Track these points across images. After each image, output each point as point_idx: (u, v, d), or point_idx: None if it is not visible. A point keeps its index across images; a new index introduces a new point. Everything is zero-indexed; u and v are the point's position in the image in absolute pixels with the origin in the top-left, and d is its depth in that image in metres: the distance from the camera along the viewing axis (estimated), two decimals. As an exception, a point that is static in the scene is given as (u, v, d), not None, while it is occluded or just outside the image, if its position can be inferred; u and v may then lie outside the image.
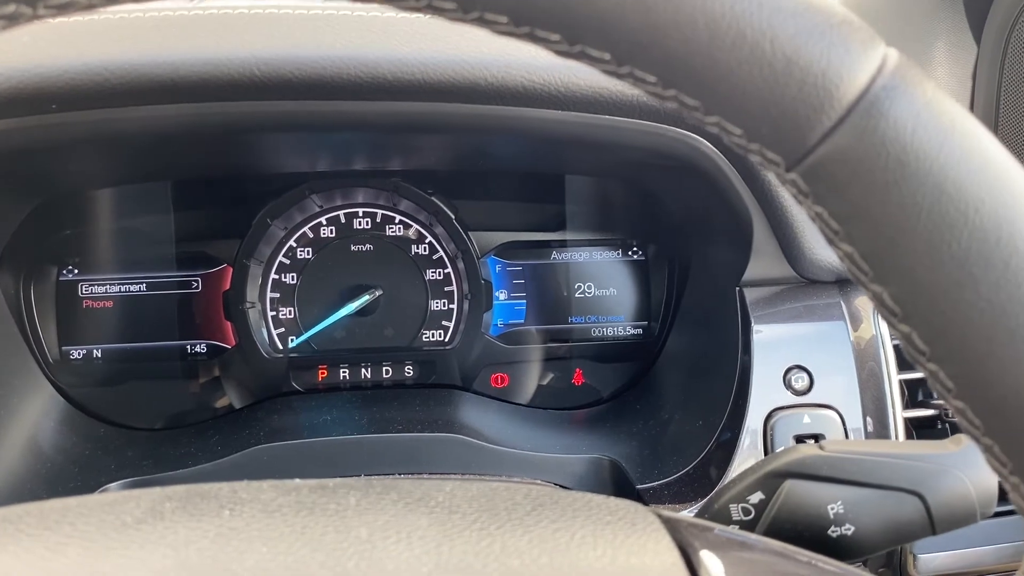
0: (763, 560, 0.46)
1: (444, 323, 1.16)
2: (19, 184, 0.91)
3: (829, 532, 0.59)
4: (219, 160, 0.97)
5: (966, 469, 0.58)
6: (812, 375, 0.90)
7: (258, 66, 0.69)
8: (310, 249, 1.14)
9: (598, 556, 0.42)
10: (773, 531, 0.60)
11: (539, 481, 0.95)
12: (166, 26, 0.71)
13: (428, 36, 0.72)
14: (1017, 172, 0.38)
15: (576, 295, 1.19)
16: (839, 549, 0.58)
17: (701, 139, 0.81)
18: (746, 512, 0.62)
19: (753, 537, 0.51)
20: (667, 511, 0.50)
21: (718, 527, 0.50)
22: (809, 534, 0.59)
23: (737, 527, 0.62)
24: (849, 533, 0.58)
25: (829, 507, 0.59)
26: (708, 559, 0.43)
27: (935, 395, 0.98)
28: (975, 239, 0.37)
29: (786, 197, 0.86)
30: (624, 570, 0.42)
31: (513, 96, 0.73)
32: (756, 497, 0.61)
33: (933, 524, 0.58)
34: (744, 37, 0.37)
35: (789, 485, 0.60)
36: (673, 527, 0.47)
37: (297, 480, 0.50)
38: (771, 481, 0.61)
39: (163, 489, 0.49)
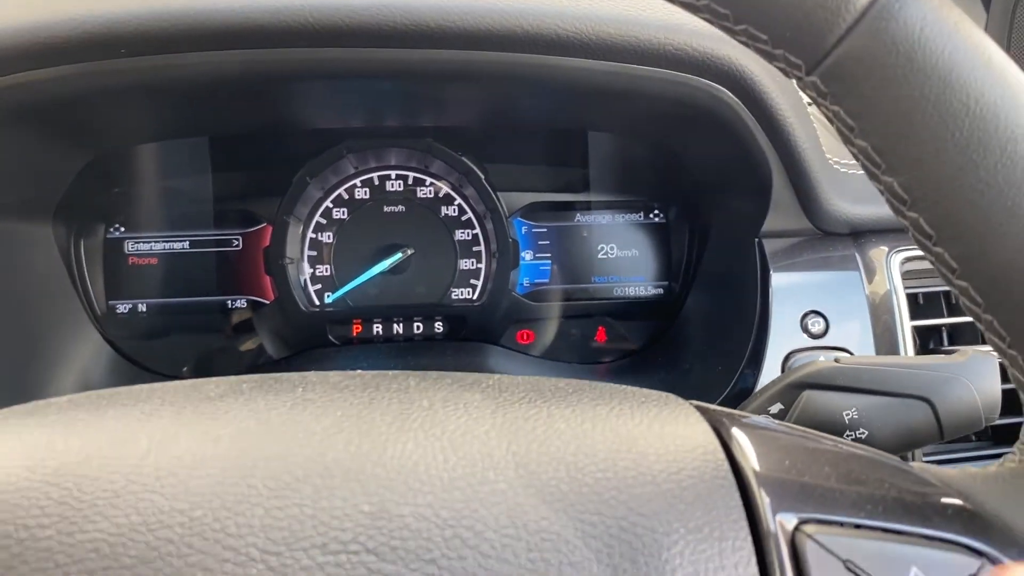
0: (792, 439, 0.50)
1: (472, 281, 1.21)
2: (77, 135, 0.97)
3: (845, 436, 0.63)
4: (263, 112, 1.02)
5: (972, 377, 0.62)
6: (828, 320, 0.94)
7: (311, 12, 0.74)
8: (345, 209, 1.19)
9: (636, 424, 0.47)
10: (792, 439, 0.64)
11: None
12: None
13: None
14: (1013, 68, 0.43)
15: (599, 256, 1.24)
16: (854, 453, 0.63)
17: (724, 89, 0.85)
18: (766, 423, 0.66)
19: (778, 423, 0.55)
20: (698, 403, 0.54)
21: (746, 414, 0.54)
22: (825, 440, 0.64)
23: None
24: (863, 437, 0.63)
25: (844, 413, 0.63)
26: (739, 435, 0.48)
27: (944, 342, 1.02)
28: (976, 128, 0.41)
29: (804, 149, 0.90)
30: (659, 436, 0.46)
31: (547, 44, 0.78)
32: (776, 407, 0.66)
33: (941, 428, 0.62)
34: (770, -52, 0.42)
35: (807, 395, 0.65)
36: (704, 410, 0.51)
37: (359, 370, 0.55)
38: (790, 392, 0.66)
39: (239, 377, 0.54)
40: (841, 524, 0.42)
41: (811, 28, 0.43)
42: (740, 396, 0.95)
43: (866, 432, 0.63)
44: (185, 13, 0.74)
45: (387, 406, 0.47)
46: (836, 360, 0.66)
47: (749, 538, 0.40)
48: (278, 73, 0.81)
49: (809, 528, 0.41)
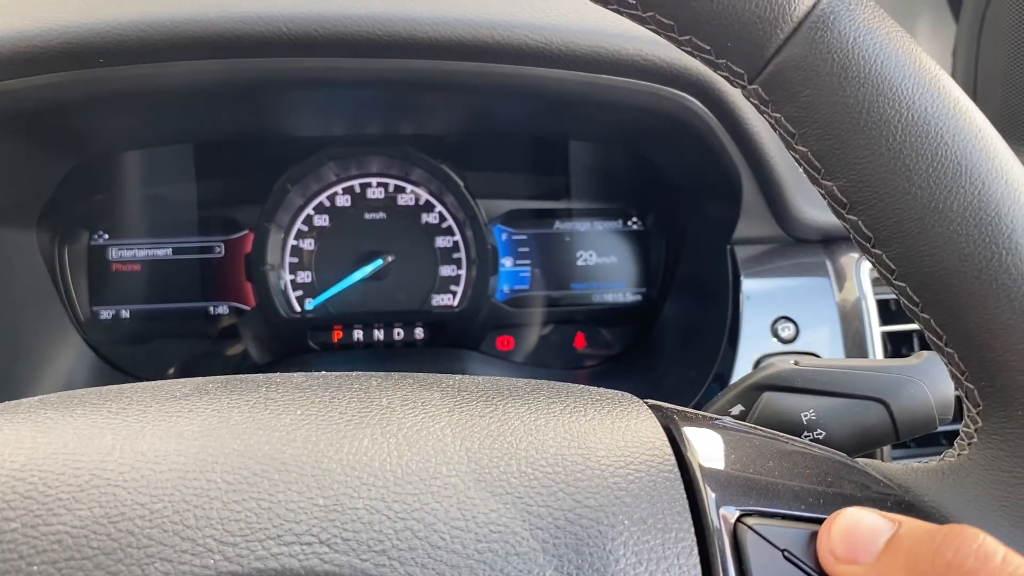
0: (741, 436, 0.51)
1: (452, 288, 1.23)
2: (58, 143, 0.98)
3: (803, 436, 0.65)
4: (242, 120, 1.04)
5: (926, 379, 0.64)
6: (798, 325, 0.96)
7: (285, 23, 0.75)
8: (327, 217, 1.21)
9: (588, 420, 0.48)
10: (752, 439, 0.66)
11: None
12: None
13: (443, -1, 0.80)
14: (944, 76, 0.45)
15: (578, 263, 1.25)
16: (811, 452, 0.64)
17: (692, 98, 0.87)
18: (728, 424, 0.68)
19: (731, 420, 0.57)
20: (653, 401, 0.56)
21: (699, 412, 0.56)
22: (784, 440, 0.65)
23: (719, 437, 0.68)
24: (821, 438, 0.64)
25: (803, 415, 0.65)
26: (688, 431, 0.49)
27: (915, 348, 1.04)
28: (908, 133, 0.43)
29: (773, 157, 0.92)
30: (610, 431, 0.48)
31: (516, 54, 0.80)
32: (736, 409, 0.67)
33: (896, 429, 0.64)
34: (710, -40, 0.43)
35: (766, 397, 0.66)
36: (657, 408, 0.53)
37: (324, 371, 0.57)
38: (750, 394, 0.67)
39: (207, 378, 0.55)
40: (782, 516, 0.43)
41: (751, 39, 0.45)
42: (711, 398, 0.96)
43: (823, 433, 0.64)
44: (163, 23, 0.75)
45: (347, 405, 0.49)
46: (795, 363, 0.67)
47: (691, 530, 0.42)
48: (257, 82, 0.83)
49: (750, 520, 0.42)
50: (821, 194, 0.48)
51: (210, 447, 0.44)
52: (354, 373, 0.56)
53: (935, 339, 0.46)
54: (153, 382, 0.55)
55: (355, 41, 0.77)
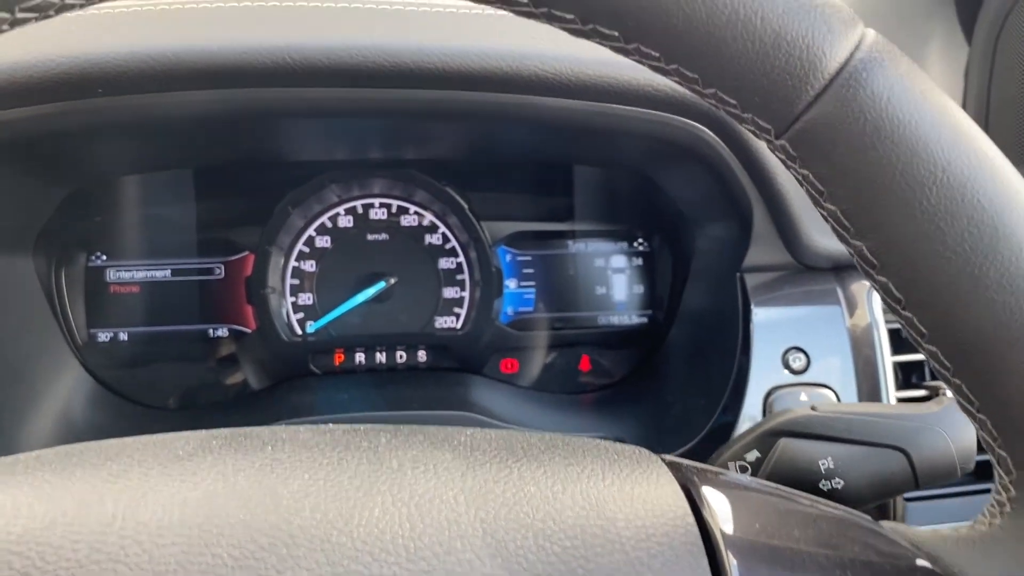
0: (763, 498, 0.50)
1: (456, 310, 1.21)
2: (57, 170, 0.97)
3: (820, 486, 0.63)
4: (244, 147, 1.02)
5: (946, 427, 0.62)
6: (809, 356, 0.94)
7: (290, 54, 0.74)
8: (328, 238, 1.19)
9: (607, 485, 0.47)
10: (768, 486, 0.65)
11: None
12: (203, 16, 0.77)
13: (447, 28, 0.78)
14: (981, 137, 0.43)
15: (583, 285, 1.24)
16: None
17: (704, 128, 0.86)
18: (743, 469, 0.66)
19: (751, 479, 0.55)
20: (669, 456, 0.54)
21: (718, 469, 0.54)
22: (801, 487, 0.64)
23: (734, 483, 0.66)
24: (839, 487, 0.63)
25: (820, 462, 0.63)
26: (709, 494, 0.48)
27: (927, 376, 1.03)
28: (943, 196, 0.41)
29: (784, 185, 0.91)
30: (629, 498, 0.46)
31: (526, 84, 0.78)
32: (753, 455, 0.66)
33: (916, 478, 0.62)
34: (737, 15, 0.42)
35: (783, 443, 0.65)
36: (674, 467, 0.51)
37: (330, 424, 0.55)
38: (767, 439, 0.66)
39: (210, 431, 0.53)
40: (809, 588, 0.42)
41: (779, 94, 0.43)
42: (720, 432, 0.95)
43: (842, 482, 0.63)
44: (164, 54, 0.73)
45: (356, 467, 0.47)
46: (812, 408, 0.66)
47: (715, 604, 0.40)
48: (259, 112, 0.81)
49: (777, 593, 0.41)
50: (849, 252, 0.46)
51: (215, 518, 0.42)
52: (362, 428, 0.54)
53: (967, 404, 0.45)
54: (156, 437, 0.53)
55: (361, 72, 0.75)
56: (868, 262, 0.45)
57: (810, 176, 0.45)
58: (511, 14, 0.43)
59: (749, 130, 0.47)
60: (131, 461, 0.48)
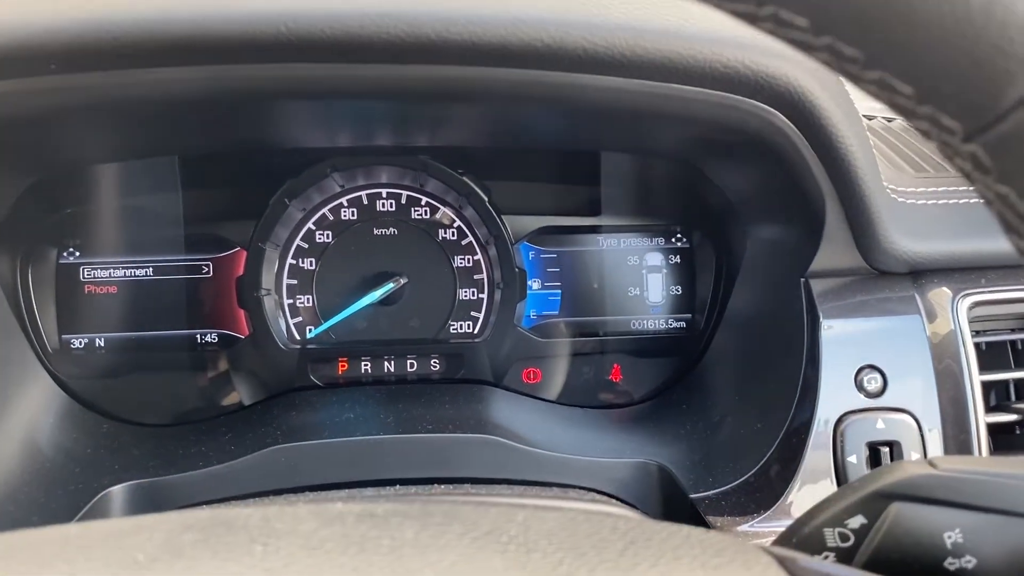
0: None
1: (473, 314, 1.09)
2: (15, 157, 0.84)
3: (946, 564, 0.51)
4: (233, 133, 0.89)
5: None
6: (886, 376, 0.82)
7: (285, 23, 0.60)
8: (330, 232, 1.06)
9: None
10: (878, 561, 0.52)
11: (606, 495, 0.86)
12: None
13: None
14: None
15: (614, 286, 1.11)
16: (958, 585, 0.51)
17: (777, 112, 0.72)
18: (844, 538, 0.54)
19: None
20: (777, 548, 0.42)
21: (848, 571, 0.42)
22: (920, 566, 0.51)
23: (833, 555, 0.54)
24: (970, 567, 0.51)
25: (946, 535, 0.51)
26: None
27: (1011, 395, 0.90)
28: None
29: (866, 179, 0.78)
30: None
31: (572, 60, 0.65)
32: (857, 521, 0.54)
33: (1069, 556, 0.50)
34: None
35: (896, 508, 0.53)
36: (792, 569, 0.39)
37: (339, 504, 0.42)
38: (875, 503, 0.53)
39: (182, 515, 0.41)
40: None
41: (982, 81, 0.31)
42: (783, 464, 0.82)
43: (973, 560, 0.50)
44: (130, 23, 0.60)
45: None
46: (931, 463, 0.53)
47: None
48: (249, 92, 0.69)
49: None
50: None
51: None
52: (381, 509, 0.42)
53: None
54: (110, 526, 0.41)
55: (374, 45, 0.61)
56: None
57: (1011, 196, 0.32)
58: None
59: (920, 127, 0.34)
60: (72, 570, 0.36)
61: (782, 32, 0.33)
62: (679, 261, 1.11)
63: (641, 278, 1.11)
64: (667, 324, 1.11)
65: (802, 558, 0.42)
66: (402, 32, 0.61)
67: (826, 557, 0.54)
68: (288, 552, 0.37)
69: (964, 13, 0.30)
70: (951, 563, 0.51)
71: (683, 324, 1.11)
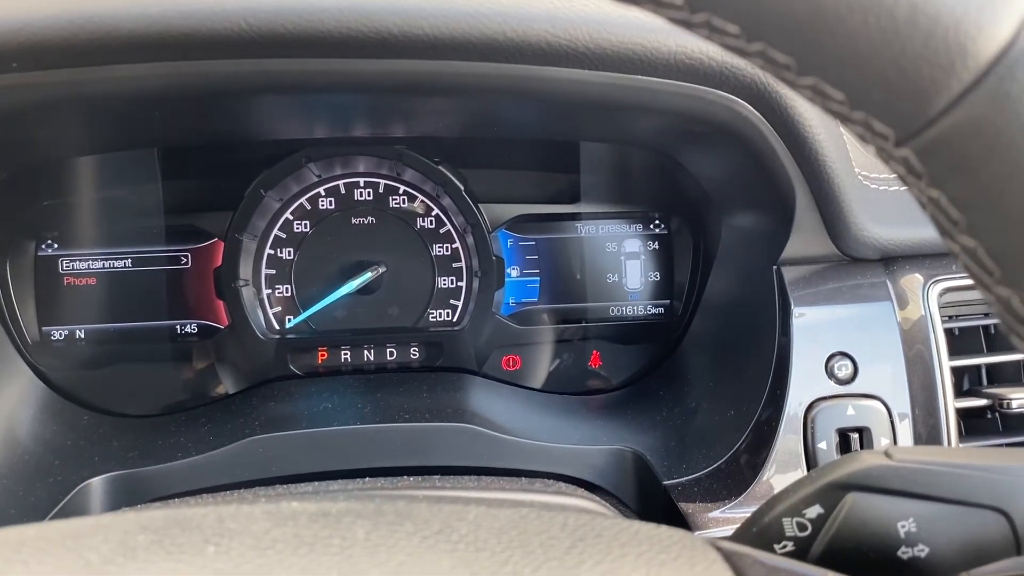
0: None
1: (452, 302, 1.09)
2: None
3: (899, 553, 0.52)
4: (207, 126, 0.89)
5: (1060, 483, 0.51)
6: (856, 362, 0.82)
7: (245, 18, 0.60)
8: (308, 222, 1.06)
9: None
10: (834, 550, 0.53)
11: (578, 483, 0.87)
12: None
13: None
14: None
15: (593, 272, 1.11)
16: (911, 573, 0.52)
17: (743, 102, 0.73)
18: (802, 527, 0.55)
19: (819, 571, 0.44)
20: (725, 543, 0.43)
21: (794, 564, 0.43)
22: (875, 555, 0.52)
23: (791, 544, 0.55)
24: (923, 555, 0.51)
25: (899, 525, 0.52)
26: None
27: (983, 380, 0.91)
28: None
29: (835, 168, 0.78)
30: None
31: (534, 53, 0.65)
32: (814, 511, 0.54)
33: (1020, 545, 0.51)
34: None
35: (852, 498, 0.53)
36: (731, 558, 0.40)
37: (294, 503, 0.43)
38: (831, 493, 0.54)
39: (137, 515, 0.42)
40: None
41: (910, 88, 0.31)
42: (753, 450, 0.83)
43: (926, 549, 0.51)
44: (91, 19, 0.60)
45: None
46: (887, 454, 0.54)
47: None
48: (217, 87, 0.68)
49: None
50: (987, 302, 0.34)
51: None
52: (335, 509, 0.42)
53: None
54: (63, 527, 0.41)
55: (334, 39, 0.61)
56: (1019, 318, 0.33)
57: (942, 200, 0.33)
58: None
59: (856, 132, 0.34)
60: (25, 571, 0.36)
61: (717, 38, 0.34)
62: (657, 247, 1.12)
63: (620, 264, 1.12)
64: (646, 310, 1.12)
65: (751, 553, 0.43)
66: (363, 27, 0.61)
67: (784, 546, 0.55)
68: (239, 552, 0.38)
69: (889, 23, 0.30)
70: (904, 552, 0.52)
71: (661, 310, 1.12)
